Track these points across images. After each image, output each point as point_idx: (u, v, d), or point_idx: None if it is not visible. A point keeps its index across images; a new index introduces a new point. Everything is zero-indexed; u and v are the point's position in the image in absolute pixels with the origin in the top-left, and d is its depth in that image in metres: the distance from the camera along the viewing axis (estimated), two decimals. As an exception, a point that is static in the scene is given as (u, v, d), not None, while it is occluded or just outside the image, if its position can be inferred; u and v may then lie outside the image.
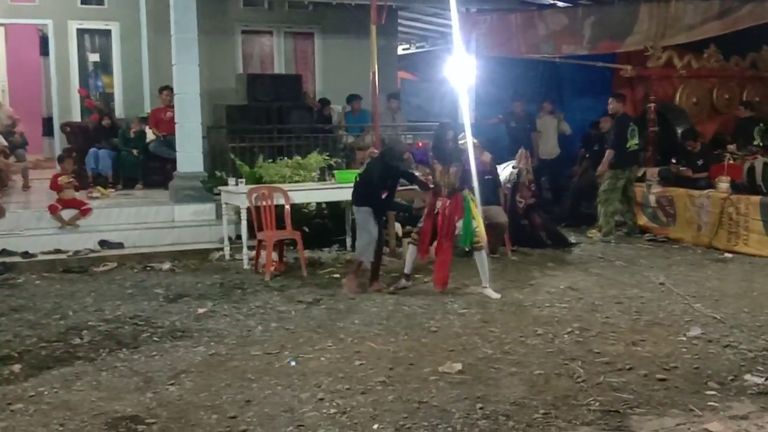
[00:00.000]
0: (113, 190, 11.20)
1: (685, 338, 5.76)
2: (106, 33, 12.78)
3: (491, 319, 6.34)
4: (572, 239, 9.89)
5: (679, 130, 11.00)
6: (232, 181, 9.04)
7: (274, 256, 8.25)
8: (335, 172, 9.32)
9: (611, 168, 10.06)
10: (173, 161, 10.40)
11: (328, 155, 9.91)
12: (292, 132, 11.04)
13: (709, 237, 9.46)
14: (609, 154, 10.01)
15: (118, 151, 11.57)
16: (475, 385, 4.80)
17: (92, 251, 8.88)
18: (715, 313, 6.43)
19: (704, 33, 11.26)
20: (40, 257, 8.64)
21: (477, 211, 7.34)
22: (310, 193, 9.12)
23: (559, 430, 4.15)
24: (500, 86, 12.95)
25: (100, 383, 4.94)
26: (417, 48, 17.25)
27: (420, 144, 11.13)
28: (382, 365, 5.19)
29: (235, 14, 12.86)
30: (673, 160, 10.46)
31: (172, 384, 4.89)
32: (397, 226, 9.20)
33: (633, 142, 10.07)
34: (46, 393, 4.77)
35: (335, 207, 9.54)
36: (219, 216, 9.44)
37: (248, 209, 8.38)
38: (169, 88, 10.94)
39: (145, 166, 11.67)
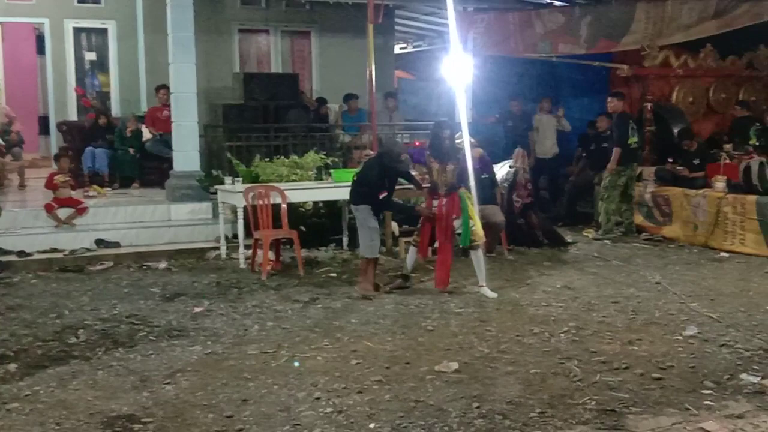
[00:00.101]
0: (109, 188, 11.21)
1: (681, 337, 5.77)
2: (103, 32, 12.77)
3: (488, 318, 6.34)
4: (569, 238, 9.89)
5: (676, 130, 11.01)
6: (228, 180, 9.04)
7: (271, 255, 8.24)
8: (332, 171, 9.32)
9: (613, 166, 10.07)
10: (170, 160, 10.40)
11: (325, 154, 9.90)
12: (289, 131, 11.05)
13: (705, 236, 9.48)
14: (617, 152, 10.00)
15: (115, 150, 11.56)
16: (471, 384, 4.81)
17: (88, 250, 8.87)
18: (711, 312, 6.44)
19: (700, 32, 11.27)
20: (36, 256, 8.62)
21: (474, 209, 7.34)
22: (307, 192, 9.11)
23: (556, 429, 4.15)
24: (497, 85, 12.97)
25: (97, 382, 4.94)
26: (414, 47, 17.25)
27: (417, 143, 11.13)
28: (379, 364, 5.19)
29: (231, 13, 12.85)
30: (670, 160, 10.48)
31: (168, 383, 4.88)
32: (394, 226, 9.20)
33: (633, 140, 10.11)
34: (42, 392, 4.76)
35: (332, 206, 9.53)
36: (215, 215, 9.43)
37: (245, 208, 8.37)
38: (165, 87, 10.93)
39: (141, 165, 11.66)
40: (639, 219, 10.42)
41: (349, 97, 12.20)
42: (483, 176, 8.63)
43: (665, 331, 5.95)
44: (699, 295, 7.09)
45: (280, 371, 5.08)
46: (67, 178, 9.68)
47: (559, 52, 11.94)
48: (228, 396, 4.65)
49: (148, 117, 11.75)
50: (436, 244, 7.53)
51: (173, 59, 9.89)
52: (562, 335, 5.84)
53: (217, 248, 9.06)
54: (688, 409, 4.40)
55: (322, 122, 12.09)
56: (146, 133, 11.64)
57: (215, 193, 9.42)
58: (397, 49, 15.72)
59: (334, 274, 8.10)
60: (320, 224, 9.57)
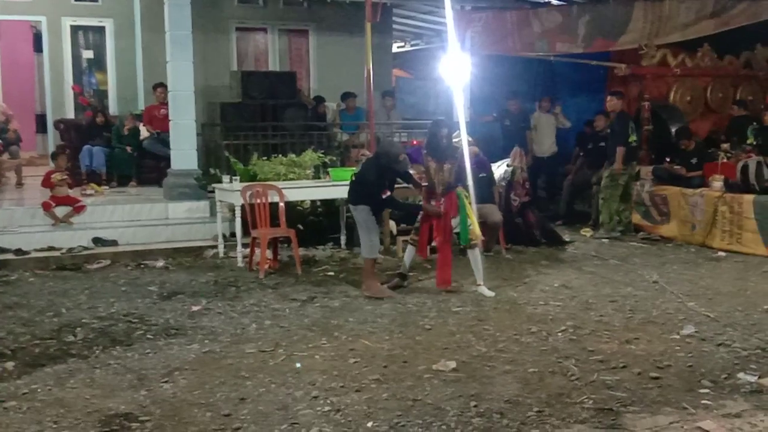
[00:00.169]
0: (107, 187, 11.19)
1: (678, 336, 5.77)
2: (100, 30, 12.74)
3: (485, 317, 6.35)
4: (566, 237, 9.90)
5: (673, 129, 11.02)
6: (226, 178, 9.03)
7: (269, 253, 8.24)
8: (330, 169, 9.31)
9: (612, 165, 10.06)
10: (167, 158, 10.39)
11: (322, 153, 9.90)
12: (287, 129, 11.03)
13: (702, 235, 9.49)
14: (620, 151, 9.98)
15: (112, 148, 11.54)
16: (469, 383, 4.81)
17: (86, 248, 8.85)
18: (709, 311, 6.45)
19: (698, 32, 11.28)
20: (34, 254, 8.60)
21: (472, 208, 7.34)
22: (305, 191, 9.10)
23: (553, 428, 4.15)
24: (495, 84, 12.96)
25: (94, 381, 4.93)
26: (412, 46, 17.26)
27: (415, 142, 11.12)
28: (377, 363, 5.19)
29: (229, 11, 12.84)
30: (667, 159, 10.49)
31: (165, 381, 4.88)
32: (392, 224, 9.20)
33: (632, 138, 10.11)
34: (39, 390, 4.76)
35: (330, 205, 9.53)
36: (213, 213, 9.43)
37: (242, 207, 8.37)
38: (163, 85, 10.92)
39: (139, 163, 11.65)
40: (636, 218, 10.43)
41: (346, 96, 12.20)
42: (481, 175, 8.63)
43: (663, 330, 5.96)
44: (696, 294, 7.10)
45: (277, 370, 5.08)
46: (65, 177, 9.66)
47: (557, 51, 11.94)
48: (225, 394, 4.65)
49: (146, 115, 11.74)
50: (434, 243, 7.53)
51: (171, 57, 9.88)
52: (559, 334, 5.85)
53: (215, 247, 9.06)
54: (686, 408, 4.41)
55: (319, 121, 12.08)
56: (144, 132, 11.62)
57: (213, 192, 9.41)
58: (394, 48, 15.71)
59: (331, 273, 8.10)
60: (318, 223, 9.57)
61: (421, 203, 7.56)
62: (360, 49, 10.12)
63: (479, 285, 7.16)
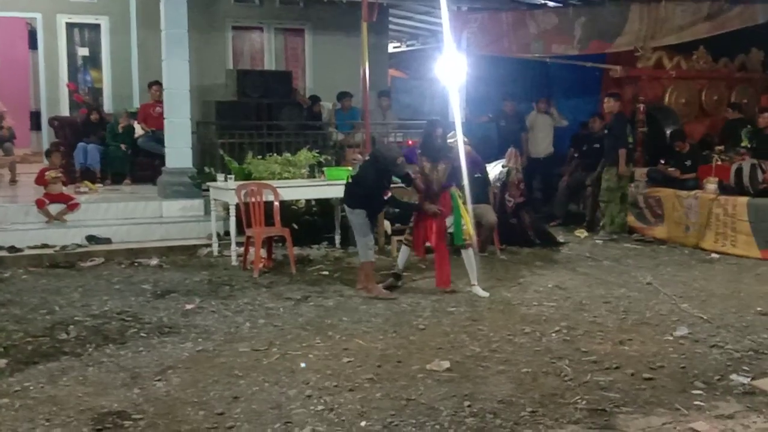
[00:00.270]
0: (101, 185, 11.16)
1: (671, 338, 5.78)
2: (96, 27, 12.72)
3: (479, 318, 6.35)
4: (560, 238, 9.91)
5: (668, 131, 11.04)
6: (221, 177, 9.01)
7: (263, 252, 8.23)
8: (325, 169, 9.31)
9: (611, 167, 10.07)
10: (162, 157, 10.37)
11: (317, 152, 9.90)
12: (282, 128, 11.03)
13: (696, 237, 9.51)
14: (623, 153, 9.98)
15: (107, 146, 11.51)
16: (462, 383, 4.81)
17: (79, 246, 8.83)
18: (702, 313, 6.46)
19: (693, 34, 11.31)
20: (27, 252, 8.58)
21: (466, 208, 7.34)
22: (300, 190, 9.10)
23: (546, 429, 4.16)
24: (490, 85, 12.97)
25: (87, 378, 4.92)
26: (408, 46, 17.27)
27: (410, 142, 11.13)
28: (370, 362, 5.19)
29: (225, 10, 12.84)
30: (662, 161, 10.51)
31: (159, 380, 4.87)
32: (386, 224, 9.20)
33: (629, 140, 10.14)
34: (32, 388, 4.74)
35: (325, 204, 9.53)
36: (207, 212, 9.40)
37: (237, 205, 8.36)
38: (158, 84, 10.90)
39: (133, 161, 11.63)
40: (630, 219, 10.43)
41: (342, 96, 12.20)
42: (476, 175, 8.63)
43: (656, 331, 5.97)
44: (690, 295, 7.11)
45: (271, 369, 5.07)
46: (59, 174, 9.63)
47: (553, 52, 11.96)
48: (219, 393, 4.64)
49: (141, 113, 11.72)
50: (428, 243, 7.51)
51: (166, 55, 9.86)
52: (553, 335, 5.85)
53: (209, 245, 9.04)
54: (679, 409, 4.41)
55: (315, 120, 12.08)
56: (138, 130, 11.61)
57: (207, 190, 9.39)
58: (390, 48, 15.73)
59: (326, 272, 8.09)
60: (312, 222, 9.57)
61: (420, 204, 7.51)
62: (356, 49, 10.13)
63: (473, 285, 7.17)
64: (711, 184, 9.51)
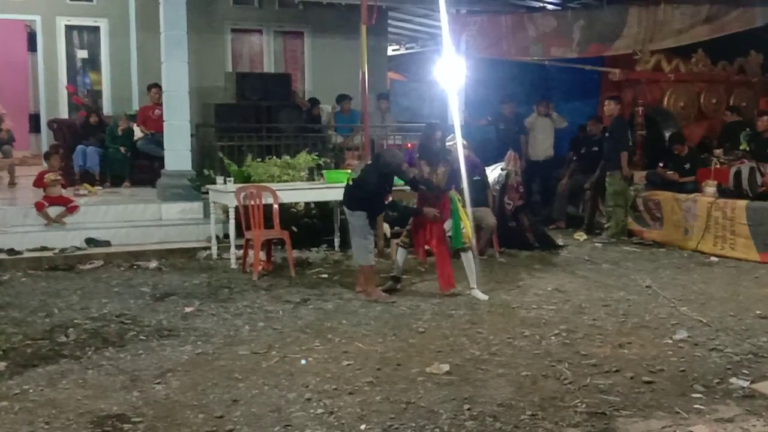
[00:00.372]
0: (100, 187, 11.16)
1: (671, 341, 5.78)
2: (95, 30, 12.72)
3: (479, 321, 6.35)
4: (559, 241, 9.91)
5: (667, 134, 11.06)
6: (220, 179, 9.01)
7: (262, 255, 8.22)
8: (324, 172, 9.31)
9: (614, 171, 10.05)
10: (161, 159, 10.37)
11: (317, 155, 9.89)
12: (281, 131, 11.02)
13: (695, 241, 9.51)
14: (624, 156, 9.97)
15: (106, 149, 11.51)
16: (462, 386, 4.81)
17: (79, 249, 8.83)
18: (701, 316, 6.46)
19: (692, 37, 11.34)
20: (26, 254, 8.58)
21: (466, 211, 7.34)
22: (299, 193, 9.10)
23: (546, 432, 4.16)
24: (489, 88, 12.98)
25: (86, 381, 4.92)
26: (407, 49, 17.28)
27: (409, 145, 11.14)
28: (370, 366, 5.18)
29: (224, 12, 12.84)
30: (661, 164, 10.52)
31: (158, 383, 4.87)
32: (386, 227, 9.20)
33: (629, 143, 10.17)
34: (31, 391, 4.74)
35: (324, 207, 9.53)
36: (207, 215, 9.40)
37: (236, 208, 8.36)
38: (157, 86, 10.91)
39: (132, 163, 11.63)
40: (629, 222, 10.45)
41: (341, 98, 12.20)
42: (475, 178, 8.64)
43: (655, 334, 5.97)
44: (689, 299, 7.11)
45: (270, 372, 5.07)
46: (58, 177, 9.63)
47: (552, 55, 11.97)
48: (218, 396, 4.64)
49: (140, 116, 11.72)
50: (427, 247, 7.50)
51: (165, 58, 9.87)
52: (552, 338, 5.85)
53: (208, 248, 9.04)
54: (678, 412, 4.41)
55: (314, 123, 12.08)
56: (137, 132, 11.60)
57: (206, 193, 9.39)
58: (389, 51, 15.74)
59: (325, 275, 8.09)
60: (312, 225, 9.56)
61: (420, 208, 7.48)
62: (355, 52, 10.12)
63: (473, 288, 7.16)
64: (710, 187, 9.52)
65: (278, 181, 9.11)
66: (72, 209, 9.37)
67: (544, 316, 6.48)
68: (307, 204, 9.55)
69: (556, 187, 11.67)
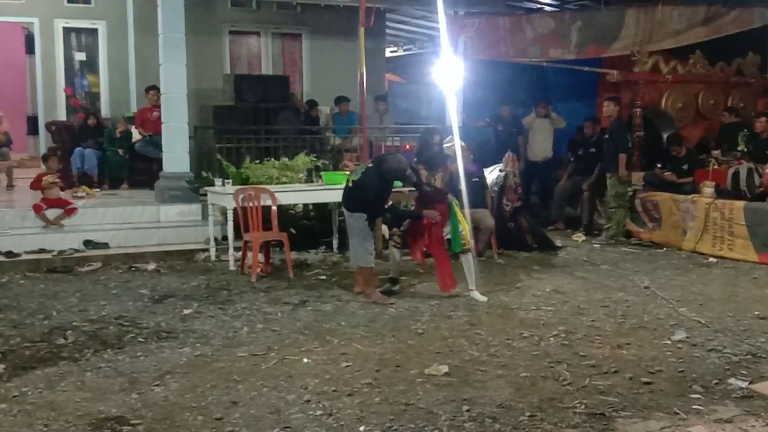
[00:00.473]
0: (98, 189, 11.15)
1: (670, 342, 5.79)
2: (93, 32, 12.71)
3: (477, 322, 6.35)
4: (558, 243, 9.92)
5: (665, 135, 11.07)
6: (218, 181, 9.02)
7: (261, 257, 8.22)
8: (322, 173, 9.31)
9: (615, 172, 10.04)
10: (159, 161, 10.37)
11: (315, 157, 9.90)
12: (280, 133, 11.01)
13: (693, 241, 9.52)
14: (623, 158, 9.94)
15: (104, 151, 11.52)
16: (461, 387, 4.81)
17: (77, 251, 8.83)
18: (700, 317, 6.47)
19: (690, 38, 11.35)
20: (24, 257, 8.57)
21: (463, 214, 7.33)
22: (297, 195, 9.11)
23: (545, 433, 4.16)
24: (488, 89, 13.00)
25: (85, 384, 4.91)
26: (405, 50, 17.30)
27: (407, 147, 11.15)
28: (369, 367, 5.18)
29: (222, 14, 12.84)
30: (659, 165, 10.53)
31: (157, 385, 4.86)
32: (384, 229, 9.19)
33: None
34: (30, 393, 4.73)
35: (322, 208, 9.53)
36: (205, 217, 9.41)
37: (235, 210, 8.36)
38: (155, 88, 10.90)
39: (130, 165, 11.62)
40: (628, 224, 10.45)
41: (339, 100, 12.20)
42: (473, 180, 8.64)
43: (654, 335, 5.97)
44: (687, 299, 7.12)
45: (269, 374, 5.07)
46: (56, 180, 9.63)
47: (550, 56, 11.99)
48: (217, 398, 4.63)
49: (138, 118, 11.71)
50: (424, 249, 7.49)
51: (164, 60, 9.87)
52: (551, 339, 5.85)
53: (207, 250, 9.04)
54: (677, 413, 4.41)
55: (312, 124, 12.08)
56: (136, 134, 11.59)
57: (205, 195, 9.39)
58: (387, 53, 15.74)
59: (323, 277, 8.09)
60: (310, 227, 9.57)
61: (421, 212, 7.43)
62: (353, 54, 10.13)
63: (471, 290, 7.16)
64: (708, 188, 9.53)
65: (276, 183, 9.12)
66: (70, 211, 9.37)
67: (543, 317, 6.49)
68: (305, 206, 9.56)
69: (554, 188, 11.68)
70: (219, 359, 5.38)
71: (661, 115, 11.64)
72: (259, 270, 8.02)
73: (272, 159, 9.76)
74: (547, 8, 12.46)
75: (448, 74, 9.94)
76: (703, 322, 6.32)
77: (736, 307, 6.81)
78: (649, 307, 6.85)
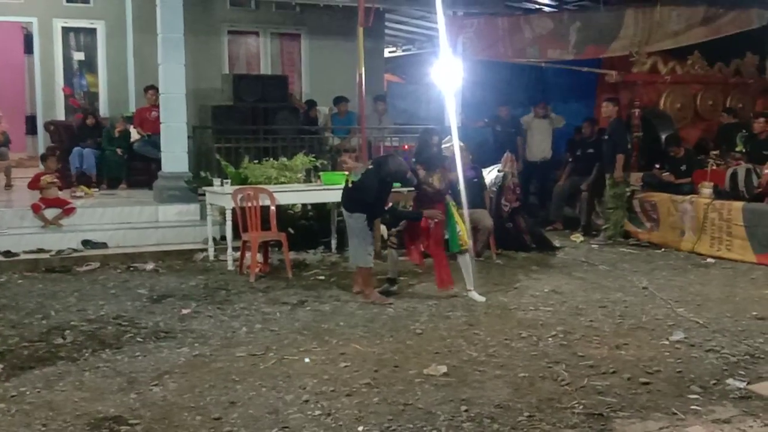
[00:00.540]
0: (97, 189, 11.15)
1: (668, 342, 5.79)
2: (92, 31, 12.71)
3: (476, 322, 6.35)
4: (556, 243, 9.93)
5: (663, 136, 11.08)
6: (217, 181, 9.01)
7: (259, 257, 8.22)
8: (321, 173, 9.32)
9: (614, 172, 10.06)
10: (158, 161, 10.36)
11: (314, 157, 9.90)
12: (278, 133, 11.01)
13: (692, 242, 9.53)
14: (620, 158, 9.93)
15: (103, 151, 11.51)
16: (459, 387, 4.81)
17: (75, 251, 8.82)
18: (698, 317, 6.47)
19: (689, 39, 11.37)
20: (23, 256, 8.57)
21: (461, 214, 7.34)
22: (296, 195, 9.11)
23: (544, 433, 4.17)
24: (486, 90, 13.00)
25: (83, 383, 4.91)
26: (404, 51, 17.30)
27: (405, 147, 11.15)
28: (367, 367, 5.19)
29: (221, 14, 12.83)
30: (657, 166, 10.54)
31: (155, 385, 4.86)
32: (383, 229, 9.19)
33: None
34: (28, 393, 4.73)
35: (321, 209, 9.53)
36: (203, 217, 9.41)
37: (233, 210, 8.36)
38: (154, 88, 10.90)
39: (129, 165, 11.62)
40: (626, 225, 10.45)
41: (338, 100, 12.19)
42: (472, 180, 8.64)
43: (652, 335, 5.98)
44: (686, 300, 7.12)
45: (268, 373, 5.07)
46: (55, 179, 9.62)
47: (548, 57, 12.00)
48: (216, 398, 4.63)
49: (137, 118, 11.70)
50: (422, 249, 7.49)
51: (162, 60, 9.87)
52: (550, 339, 5.86)
53: (205, 250, 9.04)
54: (675, 413, 4.42)
55: (311, 125, 12.08)
56: (134, 134, 11.59)
57: (203, 195, 9.39)
58: (386, 53, 15.73)
59: (322, 277, 8.09)
60: (309, 227, 9.57)
61: (421, 212, 7.42)
62: (352, 54, 10.12)
63: (470, 290, 7.17)
64: (706, 189, 9.54)
65: (275, 183, 9.12)
66: (69, 211, 9.36)
67: (541, 318, 6.49)
68: (304, 206, 9.56)
69: (553, 188, 11.69)
70: (217, 359, 5.38)
71: (660, 115, 11.66)
72: (257, 270, 8.02)
73: (271, 159, 9.76)
74: (546, 9, 12.46)
75: (447, 74, 9.93)
76: (701, 322, 6.32)
77: (734, 308, 6.82)
78: (647, 307, 6.86)
